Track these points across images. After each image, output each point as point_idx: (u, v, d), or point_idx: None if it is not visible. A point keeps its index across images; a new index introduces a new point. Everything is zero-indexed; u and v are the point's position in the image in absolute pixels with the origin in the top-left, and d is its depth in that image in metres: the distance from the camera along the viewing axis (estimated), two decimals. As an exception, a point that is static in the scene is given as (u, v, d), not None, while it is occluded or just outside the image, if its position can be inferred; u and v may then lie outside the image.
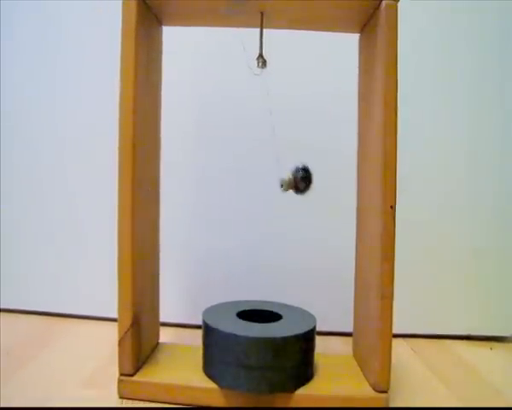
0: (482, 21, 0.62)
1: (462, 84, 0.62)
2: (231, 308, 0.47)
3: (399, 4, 0.41)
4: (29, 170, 0.65)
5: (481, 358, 0.57)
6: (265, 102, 0.46)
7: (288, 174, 0.45)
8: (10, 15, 0.64)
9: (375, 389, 0.42)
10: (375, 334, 0.42)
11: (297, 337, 0.42)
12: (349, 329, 0.51)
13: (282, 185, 0.45)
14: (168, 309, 0.56)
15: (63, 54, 0.64)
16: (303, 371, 0.43)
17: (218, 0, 0.43)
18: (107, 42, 0.52)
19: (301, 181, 0.45)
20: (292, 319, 0.46)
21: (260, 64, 0.46)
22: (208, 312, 0.46)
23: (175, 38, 0.52)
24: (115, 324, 0.43)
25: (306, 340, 0.43)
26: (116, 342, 0.43)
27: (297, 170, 0.46)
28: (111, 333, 0.46)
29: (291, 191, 0.46)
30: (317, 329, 0.45)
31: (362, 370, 0.46)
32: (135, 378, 0.43)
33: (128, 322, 0.42)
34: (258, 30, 0.46)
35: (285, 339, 0.41)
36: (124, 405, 0.42)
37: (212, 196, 0.63)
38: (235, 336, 0.41)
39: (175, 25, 0.50)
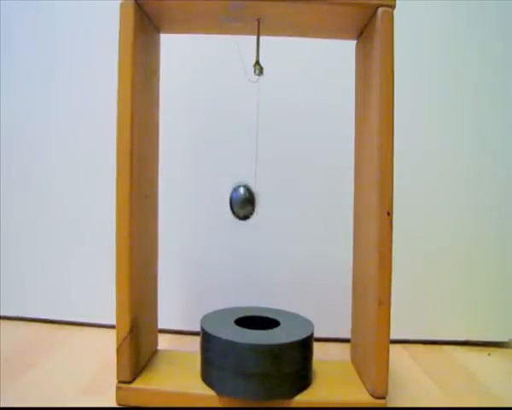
0: (482, 23, 0.62)
1: (461, 86, 0.62)
2: (229, 315, 0.47)
3: (396, 11, 0.41)
4: (27, 177, 0.65)
5: (479, 363, 0.57)
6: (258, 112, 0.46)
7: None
8: (9, 16, 0.65)
9: (373, 395, 0.42)
10: (372, 340, 0.42)
11: (295, 344, 0.42)
12: (347, 335, 0.51)
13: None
14: (166, 316, 0.56)
15: (61, 61, 0.64)
16: (301, 377, 0.43)
17: (215, 5, 0.43)
18: (105, 47, 0.53)
19: (243, 204, 0.43)
20: (290, 326, 0.46)
21: (257, 71, 0.46)
22: (206, 319, 0.46)
23: (173, 46, 0.53)
24: (113, 331, 0.43)
25: (304, 346, 0.43)
26: (114, 349, 0.43)
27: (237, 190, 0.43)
28: (109, 340, 0.46)
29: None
30: (315, 335, 0.45)
31: (360, 376, 0.46)
32: (133, 385, 0.43)
33: (126, 329, 0.42)
34: (255, 37, 0.47)
35: (283, 346, 0.41)
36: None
37: (210, 203, 0.63)
38: (234, 343, 0.41)
39: (172, 32, 0.50)
